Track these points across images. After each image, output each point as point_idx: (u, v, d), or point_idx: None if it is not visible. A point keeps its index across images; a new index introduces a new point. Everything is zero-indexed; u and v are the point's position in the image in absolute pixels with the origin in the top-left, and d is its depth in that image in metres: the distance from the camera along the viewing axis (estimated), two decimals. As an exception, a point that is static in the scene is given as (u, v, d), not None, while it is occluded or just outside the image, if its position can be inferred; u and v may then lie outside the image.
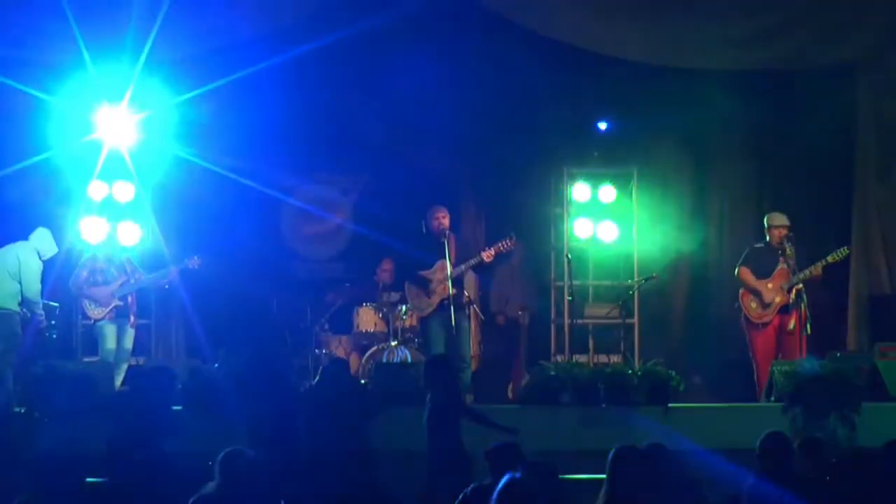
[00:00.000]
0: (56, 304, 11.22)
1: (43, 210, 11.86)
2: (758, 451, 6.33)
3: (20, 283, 10.43)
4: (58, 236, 11.08)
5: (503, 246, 10.74)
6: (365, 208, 14.08)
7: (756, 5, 11.49)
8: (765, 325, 11.00)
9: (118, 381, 10.59)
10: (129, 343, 11.05)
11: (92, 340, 11.29)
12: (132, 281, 11.12)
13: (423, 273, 10.71)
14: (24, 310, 10.48)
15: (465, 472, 7.12)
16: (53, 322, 11.10)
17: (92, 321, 11.07)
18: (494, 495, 4.64)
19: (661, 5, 11.43)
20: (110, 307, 10.98)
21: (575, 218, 12.32)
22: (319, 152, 13.86)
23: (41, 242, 10.68)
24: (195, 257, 11.28)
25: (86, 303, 11.04)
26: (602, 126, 12.81)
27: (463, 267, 10.67)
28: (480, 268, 10.86)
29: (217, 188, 13.16)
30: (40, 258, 10.62)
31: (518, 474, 4.82)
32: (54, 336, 11.19)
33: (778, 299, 10.94)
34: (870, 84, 11.93)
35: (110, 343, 10.94)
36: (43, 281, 10.73)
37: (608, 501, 4.83)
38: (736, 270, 11.26)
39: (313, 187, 14.19)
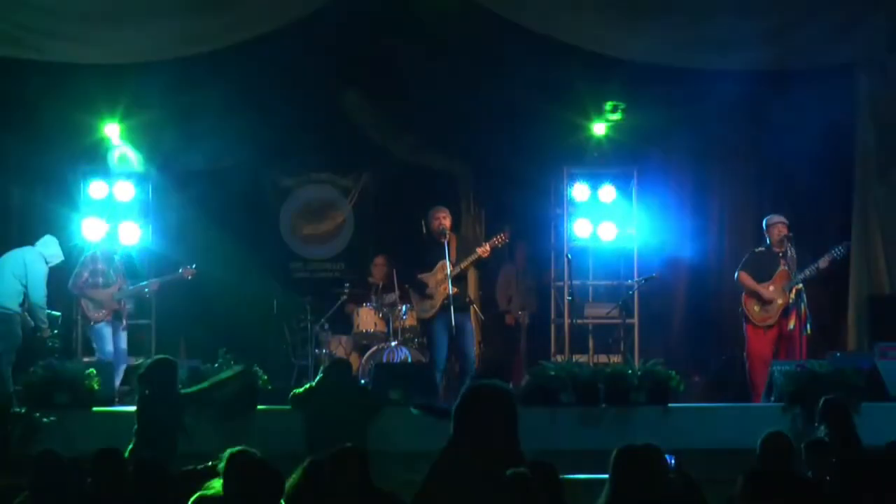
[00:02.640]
0: (58, 314, 11.21)
1: (43, 210, 11.90)
2: (758, 451, 6.33)
3: (25, 286, 10.46)
4: (59, 237, 11.10)
5: (498, 240, 10.72)
6: (365, 208, 14.10)
7: (757, 6, 11.48)
8: (768, 327, 10.97)
9: (117, 381, 10.58)
10: (124, 343, 11.03)
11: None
12: (128, 284, 11.08)
13: (425, 275, 10.71)
14: (28, 316, 10.50)
15: None
16: (56, 331, 11.09)
17: (91, 322, 11.01)
18: None
19: (661, 5, 11.42)
20: (109, 310, 10.93)
21: (575, 218, 12.32)
22: (319, 152, 13.88)
23: (48, 249, 10.72)
24: (189, 267, 11.21)
25: (85, 303, 11.00)
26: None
27: (462, 265, 10.65)
28: (480, 264, 10.85)
29: (217, 188, 13.21)
30: (46, 264, 10.64)
31: (520, 469, 4.81)
32: (56, 345, 11.18)
33: (780, 301, 10.92)
34: (870, 84, 11.92)
35: (109, 345, 10.90)
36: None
37: (610, 502, 4.83)
38: (736, 275, 11.22)
39: (313, 187, 14.21)
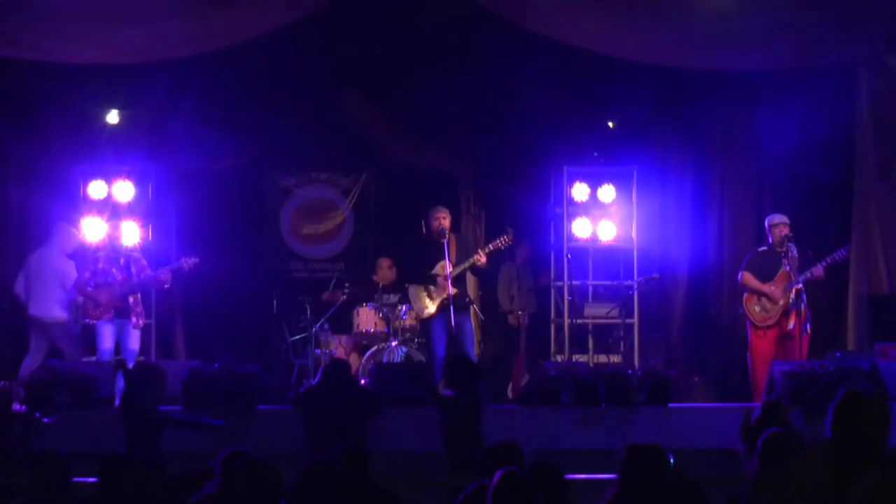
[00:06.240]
0: None
1: (43, 210, 11.90)
2: (758, 451, 6.33)
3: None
4: (59, 237, 11.14)
5: (502, 242, 10.72)
6: (365, 208, 14.10)
7: (757, 5, 11.47)
8: (768, 328, 10.97)
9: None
10: (134, 344, 10.94)
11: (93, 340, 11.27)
12: (135, 280, 11.04)
13: (424, 274, 10.71)
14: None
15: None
16: None
17: (93, 321, 11.00)
18: (490, 489, 4.66)
19: (660, 4, 11.42)
20: (110, 308, 10.92)
21: (575, 218, 12.32)
22: (319, 152, 13.88)
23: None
24: (188, 258, 11.17)
25: (87, 303, 10.99)
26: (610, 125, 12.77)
27: (462, 267, 10.64)
28: (476, 269, 10.83)
29: (217, 188, 13.21)
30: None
31: (513, 468, 4.82)
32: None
33: (782, 302, 10.92)
34: (870, 84, 11.91)
35: (107, 343, 10.86)
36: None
37: (616, 500, 4.83)
38: (739, 276, 11.21)
39: (313, 187, 14.21)
